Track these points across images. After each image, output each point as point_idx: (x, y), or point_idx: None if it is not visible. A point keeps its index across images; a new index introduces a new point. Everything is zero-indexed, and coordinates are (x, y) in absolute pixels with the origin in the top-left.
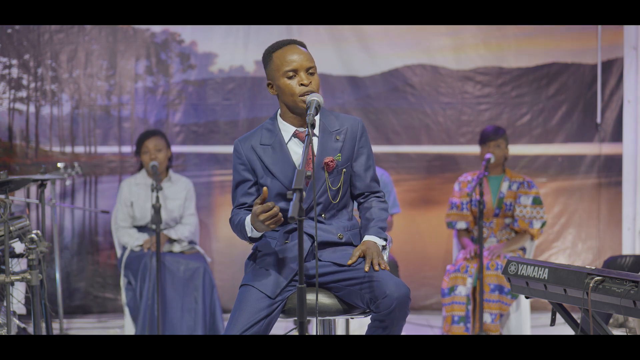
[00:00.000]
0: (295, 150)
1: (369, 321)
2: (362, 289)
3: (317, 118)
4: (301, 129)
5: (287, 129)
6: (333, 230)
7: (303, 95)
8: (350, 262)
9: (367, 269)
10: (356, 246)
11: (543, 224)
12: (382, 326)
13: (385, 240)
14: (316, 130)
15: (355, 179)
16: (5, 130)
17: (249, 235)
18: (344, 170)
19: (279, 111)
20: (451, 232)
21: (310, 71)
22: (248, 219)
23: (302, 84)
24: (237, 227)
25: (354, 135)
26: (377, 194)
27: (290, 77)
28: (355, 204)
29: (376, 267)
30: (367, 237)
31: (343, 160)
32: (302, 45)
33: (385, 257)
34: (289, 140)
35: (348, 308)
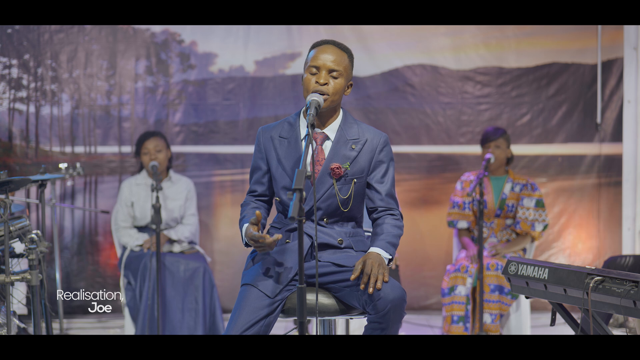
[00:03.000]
0: None
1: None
2: (358, 291)
3: (337, 123)
4: (318, 130)
5: (305, 126)
6: (333, 234)
7: (314, 92)
8: (353, 277)
9: (362, 287)
10: (357, 251)
11: (545, 227)
12: (380, 327)
13: (392, 255)
14: (332, 135)
15: (369, 192)
16: (5, 130)
17: (244, 241)
18: (355, 180)
19: (304, 107)
20: (451, 232)
21: (334, 74)
22: (245, 227)
23: (317, 82)
24: (239, 224)
25: (373, 148)
26: (392, 212)
27: (312, 73)
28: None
29: (371, 289)
30: (372, 249)
31: (354, 170)
32: (344, 49)
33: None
34: (304, 137)
35: (346, 309)
